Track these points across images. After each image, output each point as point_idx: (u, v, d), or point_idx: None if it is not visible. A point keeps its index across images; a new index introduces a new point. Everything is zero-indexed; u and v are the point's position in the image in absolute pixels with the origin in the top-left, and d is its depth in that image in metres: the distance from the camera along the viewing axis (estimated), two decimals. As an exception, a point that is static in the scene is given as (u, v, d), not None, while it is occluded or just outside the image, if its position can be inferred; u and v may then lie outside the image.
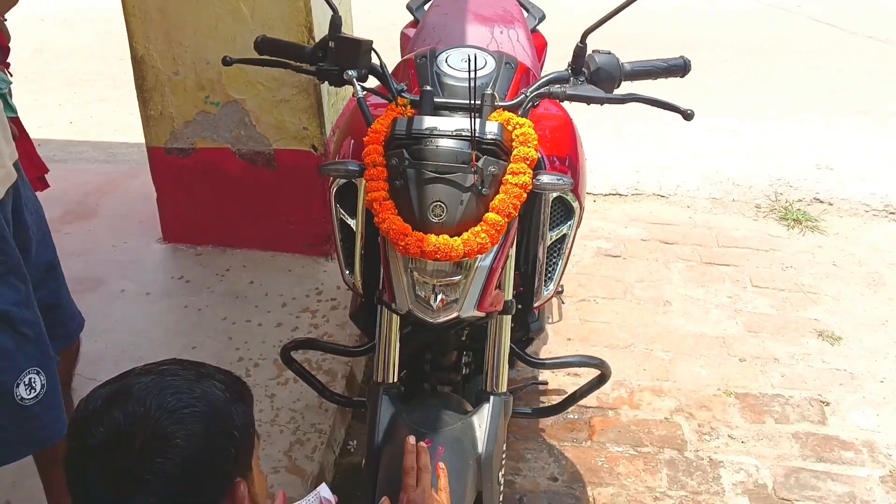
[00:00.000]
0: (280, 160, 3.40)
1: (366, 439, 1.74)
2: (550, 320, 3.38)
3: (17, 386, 1.60)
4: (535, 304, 1.91)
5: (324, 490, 1.43)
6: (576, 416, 2.86)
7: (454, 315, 1.63)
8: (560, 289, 2.83)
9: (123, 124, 5.56)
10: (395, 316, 1.74)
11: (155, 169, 3.53)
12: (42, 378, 1.64)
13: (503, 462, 1.77)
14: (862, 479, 2.57)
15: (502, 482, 1.78)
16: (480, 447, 1.67)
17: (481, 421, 1.71)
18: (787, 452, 2.69)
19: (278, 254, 3.58)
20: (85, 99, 6.30)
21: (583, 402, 2.86)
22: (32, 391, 1.62)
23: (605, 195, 4.43)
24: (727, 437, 2.76)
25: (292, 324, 3.11)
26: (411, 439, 1.56)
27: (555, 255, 1.89)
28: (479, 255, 1.58)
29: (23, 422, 1.64)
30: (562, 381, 3.01)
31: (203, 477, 0.96)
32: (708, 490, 2.55)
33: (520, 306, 1.95)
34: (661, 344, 3.23)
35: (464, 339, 2.04)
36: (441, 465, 1.55)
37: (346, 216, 1.83)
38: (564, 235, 1.86)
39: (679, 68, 1.70)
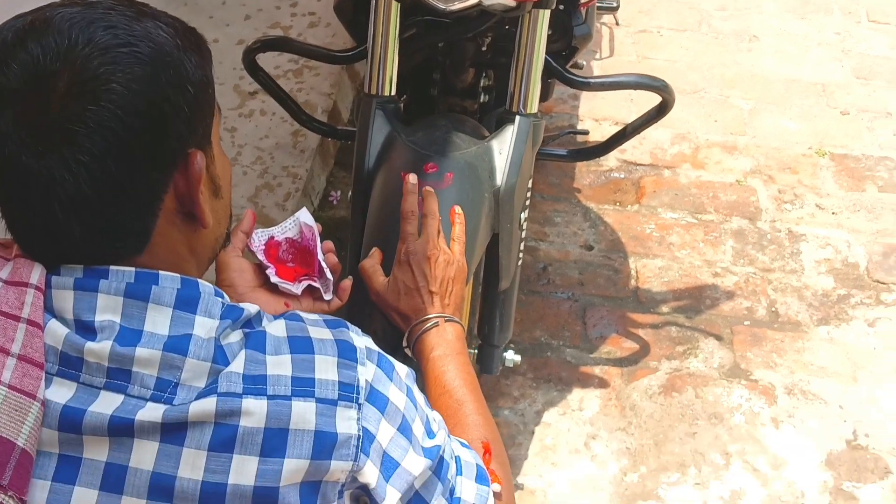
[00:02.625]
0: None
1: (353, 166, 1.74)
2: (599, 55, 3.32)
3: None
4: (583, 1, 1.85)
5: (304, 215, 1.44)
6: (622, 175, 2.88)
7: (474, 1, 1.57)
8: (615, 3, 2.72)
9: None
10: (393, 5, 1.68)
11: None
12: None
13: (527, 202, 1.78)
14: (979, 263, 2.62)
15: (524, 228, 1.80)
16: (500, 178, 1.67)
17: (502, 146, 1.70)
18: (890, 227, 2.72)
19: (240, -51, 3.44)
20: None
21: (632, 157, 2.90)
22: None
23: None
24: (814, 206, 2.79)
25: (259, 41, 3.05)
26: (411, 178, 1.53)
27: (613, -68, 1.80)
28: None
29: None
30: (609, 133, 2.99)
31: (148, 136, 0.94)
32: (783, 267, 2.60)
33: (561, 6, 1.89)
34: (740, 90, 3.20)
35: (484, 49, 1.99)
36: (457, 209, 1.54)
37: None
38: None
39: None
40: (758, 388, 2.31)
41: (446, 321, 1.40)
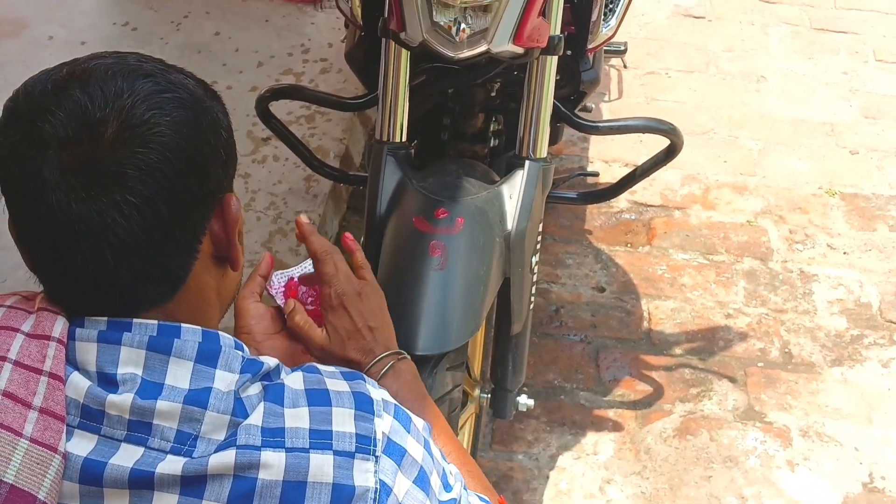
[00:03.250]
0: None
1: (365, 212, 1.75)
2: (607, 97, 3.34)
3: None
4: (590, 46, 1.86)
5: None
6: (632, 217, 2.88)
7: (483, 48, 1.58)
8: (622, 47, 2.75)
9: None
10: (403, 53, 1.70)
11: None
12: None
13: (538, 246, 1.78)
14: None
15: (536, 271, 1.80)
16: (510, 222, 1.68)
17: (512, 191, 1.71)
18: (902, 267, 2.72)
19: (252, -2, 3.50)
20: None
21: (643, 199, 2.91)
22: None
23: (690, -63, 4.25)
24: (825, 245, 2.78)
25: (271, 88, 3.09)
26: (303, 217, 1.36)
27: (620, -21, 1.82)
28: (520, -33, 1.52)
29: None
30: (619, 175, 3.00)
31: (193, 178, 0.97)
32: (795, 308, 2.60)
33: (569, 52, 1.90)
34: (749, 130, 3.20)
35: (493, 95, 2.00)
36: (348, 235, 1.41)
37: (342, -84, 1.75)
38: (635, -48, 1.78)
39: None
40: (773, 430, 2.29)
41: (399, 359, 1.30)
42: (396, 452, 1.02)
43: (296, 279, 1.40)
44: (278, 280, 1.39)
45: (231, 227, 1.04)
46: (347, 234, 1.43)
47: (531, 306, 1.84)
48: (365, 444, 0.99)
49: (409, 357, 1.33)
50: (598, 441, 2.27)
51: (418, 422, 1.10)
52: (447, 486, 1.09)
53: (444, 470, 1.10)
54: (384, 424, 1.02)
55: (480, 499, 1.16)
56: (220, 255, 1.05)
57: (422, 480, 1.04)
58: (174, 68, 1.03)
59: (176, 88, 0.98)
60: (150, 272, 0.98)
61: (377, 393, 1.06)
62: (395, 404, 1.07)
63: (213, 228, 1.03)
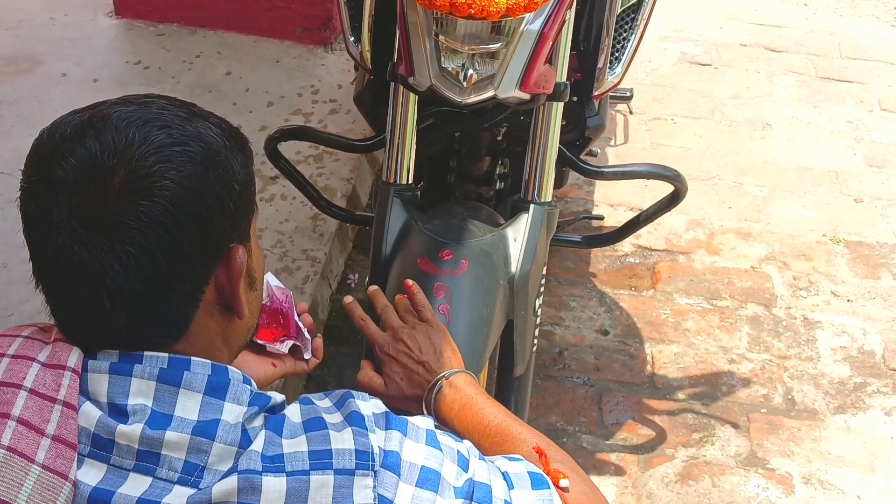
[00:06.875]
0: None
1: (370, 253, 1.77)
2: (613, 142, 3.37)
3: None
4: (596, 93, 1.89)
5: (271, 279, 1.48)
6: (637, 260, 2.90)
7: (490, 94, 1.61)
8: (629, 93, 2.79)
9: None
10: (411, 97, 1.73)
11: (104, -82, 3.45)
12: None
13: (541, 289, 1.80)
14: None
15: (539, 314, 1.81)
16: (514, 265, 1.70)
17: (517, 234, 1.73)
18: (905, 315, 2.73)
19: (263, 39, 3.54)
20: None
21: (647, 243, 2.93)
22: None
23: (697, -15, 4.31)
24: (829, 293, 2.79)
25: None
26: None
27: (625, 27, 1.85)
28: (527, 14, 1.54)
29: None
30: (623, 219, 3.02)
31: (195, 231, 0.99)
32: (799, 355, 2.60)
33: (574, 98, 1.93)
34: (754, 177, 3.23)
35: (500, 138, 2.03)
36: (409, 282, 1.58)
37: (354, -37, 1.79)
38: (640, 1, 1.81)
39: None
40: (775, 477, 2.29)
41: (446, 378, 1.38)
42: (394, 463, 1.04)
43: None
44: None
45: (235, 278, 1.06)
46: (407, 281, 1.56)
47: (534, 349, 1.85)
48: (364, 459, 1.01)
49: (460, 371, 1.40)
50: (600, 485, 2.26)
51: (417, 419, 1.11)
52: (464, 468, 1.09)
53: (456, 452, 1.10)
54: (378, 438, 1.04)
55: (509, 459, 1.17)
56: (224, 303, 1.07)
57: (427, 480, 1.05)
58: (201, 116, 1.05)
59: (189, 141, 1.00)
60: (148, 318, 1.01)
61: (367, 407, 1.08)
62: (386, 412, 1.09)
63: (218, 278, 1.05)
